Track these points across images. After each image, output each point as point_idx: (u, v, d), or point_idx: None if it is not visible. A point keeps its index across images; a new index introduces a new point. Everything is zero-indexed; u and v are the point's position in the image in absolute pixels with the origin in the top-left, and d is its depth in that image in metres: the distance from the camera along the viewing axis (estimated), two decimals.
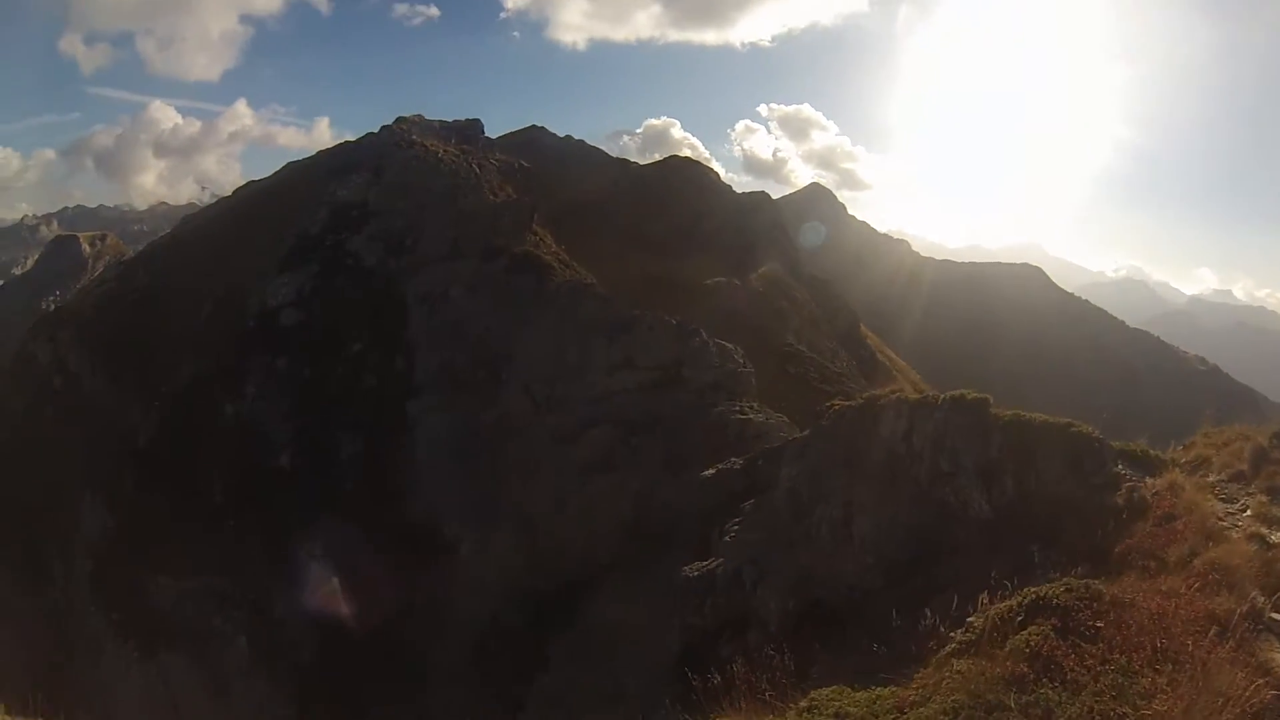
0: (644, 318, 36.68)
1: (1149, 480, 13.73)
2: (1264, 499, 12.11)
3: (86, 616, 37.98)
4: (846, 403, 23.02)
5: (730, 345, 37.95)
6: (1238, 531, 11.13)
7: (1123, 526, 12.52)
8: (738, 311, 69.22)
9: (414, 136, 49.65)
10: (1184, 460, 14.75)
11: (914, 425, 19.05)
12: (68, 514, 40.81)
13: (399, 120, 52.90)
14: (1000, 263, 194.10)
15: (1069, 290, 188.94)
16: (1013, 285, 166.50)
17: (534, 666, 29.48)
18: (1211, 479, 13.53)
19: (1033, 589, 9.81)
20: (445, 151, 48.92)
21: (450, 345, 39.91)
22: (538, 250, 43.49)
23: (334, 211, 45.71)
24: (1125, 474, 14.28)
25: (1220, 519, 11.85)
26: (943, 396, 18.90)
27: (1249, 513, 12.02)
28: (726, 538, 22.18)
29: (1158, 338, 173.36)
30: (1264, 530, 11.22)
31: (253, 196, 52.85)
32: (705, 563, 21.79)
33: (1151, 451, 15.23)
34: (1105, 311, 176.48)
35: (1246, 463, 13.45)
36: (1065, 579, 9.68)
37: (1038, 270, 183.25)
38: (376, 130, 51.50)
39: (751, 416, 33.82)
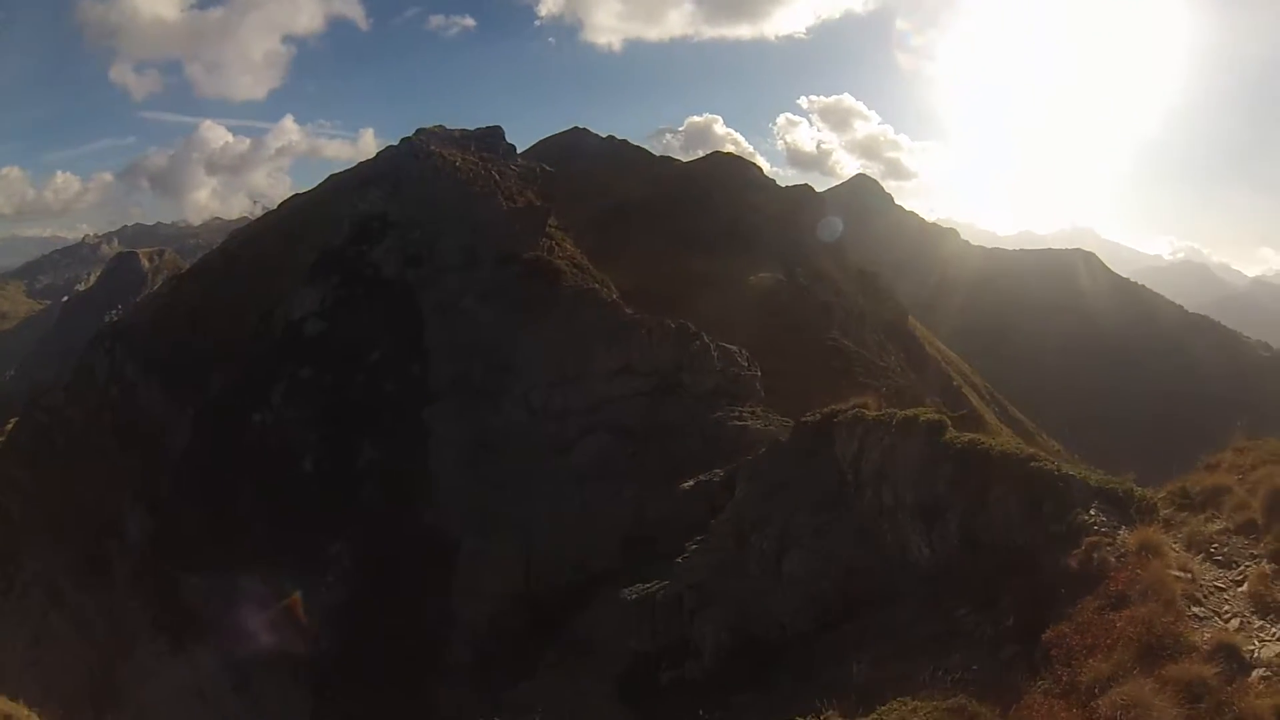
0: (642, 322, 34.00)
1: (1123, 533, 10.21)
2: (1269, 568, 8.60)
3: (127, 612, 37.67)
4: (810, 417, 20.24)
5: (734, 348, 35.08)
6: (1208, 633, 7.62)
7: (1068, 598, 9.21)
8: (781, 307, 65.81)
9: (432, 147, 47.77)
10: (1197, 490, 11.01)
11: (864, 448, 16.02)
12: (119, 516, 40.73)
13: (418, 131, 50.71)
14: (1052, 249, 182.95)
15: (1124, 275, 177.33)
16: (1065, 271, 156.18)
17: (524, 672, 27.75)
18: (1215, 527, 9.97)
19: None
20: (463, 160, 46.80)
21: (463, 353, 37.94)
22: (551, 255, 41.22)
23: (356, 224, 44.04)
24: (1095, 522, 10.73)
25: (1197, 602, 8.32)
26: (896, 415, 15.90)
27: (1243, 589, 8.50)
28: (680, 559, 19.62)
29: (1218, 322, 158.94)
30: (1244, 632, 7.64)
31: (294, 210, 51.79)
32: (647, 586, 19.33)
33: (1137, 491, 11.43)
34: (1162, 296, 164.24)
35: (1260, 508, 9.72)
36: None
37: (1090, 255, 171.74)
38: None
39: (749, 423, 30.95)
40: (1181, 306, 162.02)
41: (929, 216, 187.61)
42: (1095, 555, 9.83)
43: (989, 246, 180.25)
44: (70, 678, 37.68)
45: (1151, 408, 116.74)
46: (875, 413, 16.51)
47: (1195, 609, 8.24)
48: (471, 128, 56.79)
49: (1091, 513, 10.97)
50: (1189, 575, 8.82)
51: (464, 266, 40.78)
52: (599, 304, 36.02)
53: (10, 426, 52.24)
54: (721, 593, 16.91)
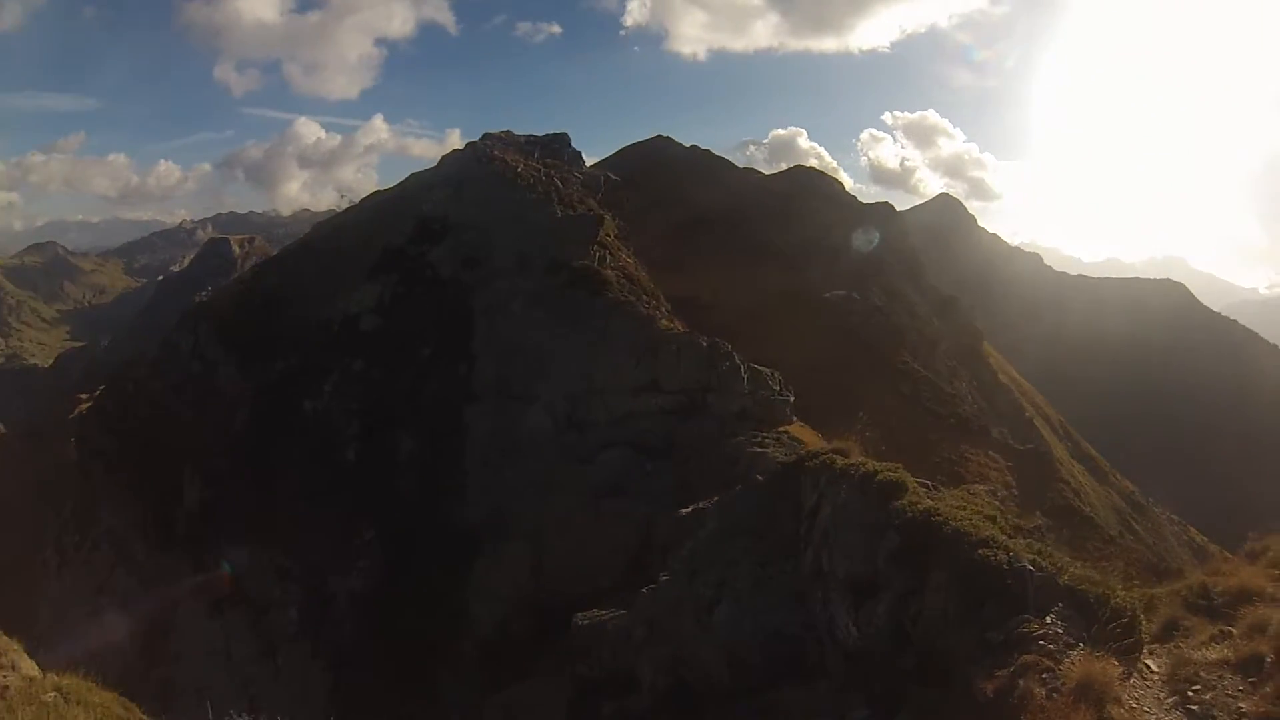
0: (673, 338, 32.79)
1: (1075, 654, 7.75)
2: None
3: (177, 575, 39.15)
4: (787, 457, 18.86)
5: (767, 370, 33.43)
6: None
7: None
8: (854, 326, 63.51)
9: (495, 152, 47.85)
10: (1220, 590, 8.54)
11: (821, 501, 14.67)
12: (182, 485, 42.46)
13: (484, 136, 50.90)
14: (1139, 278, 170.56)
15: (1216, 309, 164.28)
16: (1152, 302, 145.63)
17: (518, 678, 27.29)
18: (1213, 655, 7.43)
19: None
20: (525, 166, 46.67)
21: (506, 357, 37.59)
22: (601, 265, 40.56)
23: (419, 224, 44.52)
24: (1044, 635, 8.33)
25: None
26: (859, 468, 14.37)
27: None
28: (645, 589, 18.53)
29: None
30: None
31: (372, 207, 52.72)
32: (603, 613, 18.29)
33: (1116, 596, 8.75)
34: (1256, 333, 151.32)
35: (1275, 637, 7.16)
36: None
37: (1180, 286, 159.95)
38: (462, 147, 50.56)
39: (768, 450, 29.43)
40: (1276, 345, 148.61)
41: (1012, 239, 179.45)
42: (1020, 684, 7.62)
43: (1073, 274, 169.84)
44: (125, 630, 39.44)
45: (1241, 456, 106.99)
46: (846, 461, 14.97)
47: None
48: (549, 133, 56.87)
49: (1048, 620, 8.61)
50: None
51: (515, 271, 40.51)
52: (633, 317, 34.94)
53: (99, 394, 55.39)
54: (666, 632, 15.82)
